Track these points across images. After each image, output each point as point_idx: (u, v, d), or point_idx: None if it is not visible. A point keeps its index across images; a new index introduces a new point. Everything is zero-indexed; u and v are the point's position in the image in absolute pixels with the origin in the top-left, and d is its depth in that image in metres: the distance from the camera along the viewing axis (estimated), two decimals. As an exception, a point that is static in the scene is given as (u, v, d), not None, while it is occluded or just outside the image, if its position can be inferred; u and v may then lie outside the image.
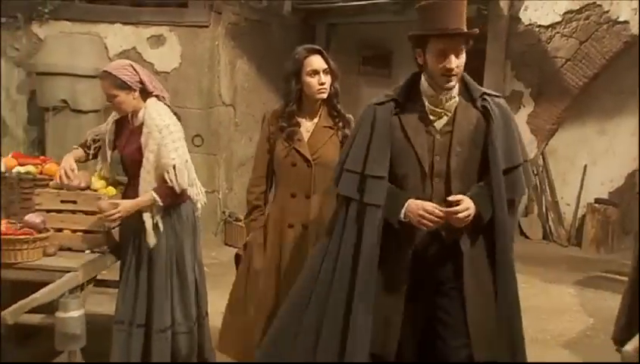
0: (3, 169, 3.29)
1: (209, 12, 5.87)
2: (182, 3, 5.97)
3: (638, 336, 2.24)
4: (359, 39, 8.10)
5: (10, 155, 3.47)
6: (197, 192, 3.14)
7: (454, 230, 2.33)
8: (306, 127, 2.87)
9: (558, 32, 6.69)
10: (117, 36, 5.97)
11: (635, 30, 6.27)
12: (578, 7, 6.54)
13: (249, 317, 2.92)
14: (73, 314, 2.79)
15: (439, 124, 2.38)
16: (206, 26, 5.89)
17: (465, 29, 2.27)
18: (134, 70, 3.03)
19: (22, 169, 3.31)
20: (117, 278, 3.24)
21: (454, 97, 2.37)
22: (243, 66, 6.48)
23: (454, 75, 2.30)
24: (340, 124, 2.87)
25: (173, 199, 3.05)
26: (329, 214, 2.64)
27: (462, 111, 2.37)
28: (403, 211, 2.32)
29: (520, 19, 6.85)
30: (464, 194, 2.30)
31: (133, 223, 3.06)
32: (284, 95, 2.88)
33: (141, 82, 3.01)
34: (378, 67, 8.18)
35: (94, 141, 3.20)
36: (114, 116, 3.17)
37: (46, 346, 3.62)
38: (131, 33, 5.96)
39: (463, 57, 2.31)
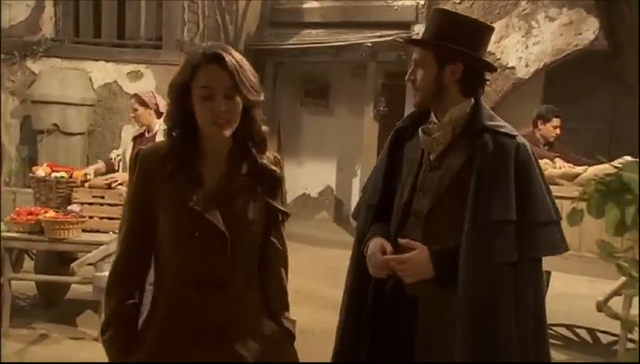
0: (44, 174, 4.46)
1: (179, 53, 7.11)
2: (157, 45, 7.21)
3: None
4: (302, 75, 9.48)
5: (45, 165, 4.65)
6: None
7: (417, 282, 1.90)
8: (210, 174, 1.69)
9: (462, 74, 8.28)
10: (101, 71, 7.15)
11: (520, 75, 7.93)
12: (477, 55, 8.16)
13: None
14: (105, 273, 3.94)
15: (433, 156, 1.98)
16: (177, 65, 7.04)
17: (441, 42, 1.92)
18: (153, 95, 4.48)
19: (57, 174, 4.48)
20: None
21: (447, 125, 1.95)
22: (206, 97, 7.77)
23: (415, 88, 1.99)
24: (259, 184, 1.71)
25: None
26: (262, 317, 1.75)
27: (455, 144, 1.93)
28: (366, 246, 2.02)
29: (433, 62, 8.41)
30: (444, 243, 1.88)
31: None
32: (172, 123, 1.70)
33: (156, 104, 4.38)
34: (318, 98, 9.53)
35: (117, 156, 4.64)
36: (134, 133, 4.61)
37: (67, 310, 4.82)
38: (113, 70, 7.14)
39: (426, 69, 1.94)
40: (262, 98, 1.68)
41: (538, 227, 1.85)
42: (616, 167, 1.16)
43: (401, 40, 7.51)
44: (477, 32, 1.97)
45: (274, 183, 1.73)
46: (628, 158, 1.10)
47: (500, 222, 1.81)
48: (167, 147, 1.68)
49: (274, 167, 1.72)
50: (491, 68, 2.04)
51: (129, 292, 1.71)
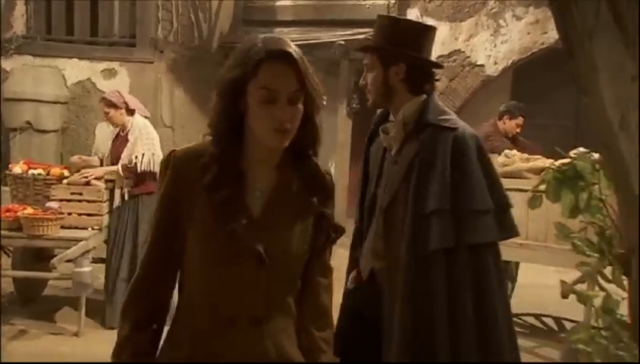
0: (21, 171, 4.48)
1: (153, 50, 7.13)
2: (131, 42, 7.22)
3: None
4: (275, 72, 9.56)
5: (22, 162, 4.66)
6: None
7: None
8: (255, 189, 1.45)
9: (433, 72, 8.46)
10: (74, 68, 7.12)
11: (489, 72, 8.13)
12: (447, 53, 8.32)
13: None
14: (85, 269, 4.06)
15: (393, 153, 2.12)
16: (151, 62, 7.15)
17: (383, 45, 2.07)
18: (120, 94, 4.46)
19: (35, 172, 4.51)
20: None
21: (399, 122, 2.06)
22: (180, 94, 7.78)
23: (367, 91, 2.12)
24: (315, 199, 1.48)
25: (133, 178, 4.36)
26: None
27: (408, 140, 2.05)
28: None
29: (404, 60, 8.58)
30: (402, 232, 1.98)
31: (118, 212, 4.38)
32: (215, 124, 1.43)
33: (125, 103, 4.37)
34: (291, 96, 9.60)
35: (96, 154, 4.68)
36: (112, 132, 4.56)
37: (44, 307, 4.84)
38: (86, 67, 7.13)
39: (374, 72, 2.08)
40: (322, 96, 1.44)
41: (474, 214, 1.93)
42: (571, 157, 1.30)
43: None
44: (418, 34, 2.09)
45: (328, 193, 1.51)
46: (581, 149, 1.21)
47: (435, 212, 1.92)
48: (208, 153, 1.40)
49: (328, 176, 1.52)
50: (436, 65, 2.16)
51: (146, 314, 1.46)
